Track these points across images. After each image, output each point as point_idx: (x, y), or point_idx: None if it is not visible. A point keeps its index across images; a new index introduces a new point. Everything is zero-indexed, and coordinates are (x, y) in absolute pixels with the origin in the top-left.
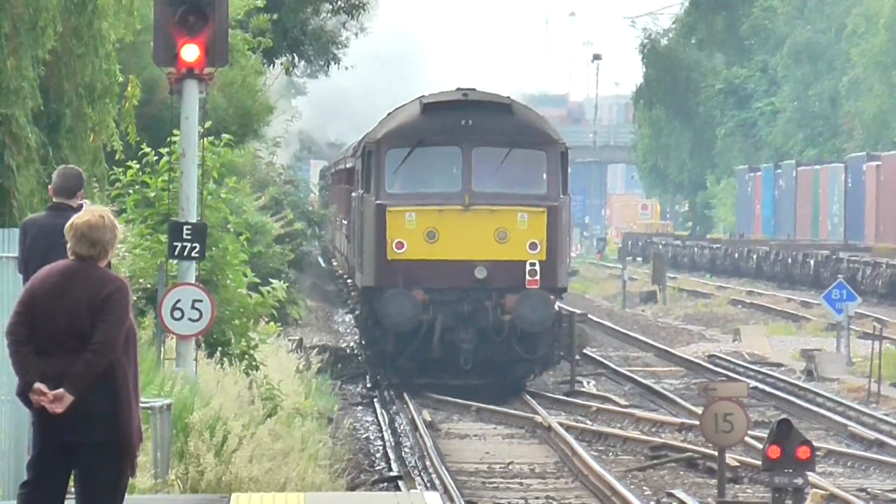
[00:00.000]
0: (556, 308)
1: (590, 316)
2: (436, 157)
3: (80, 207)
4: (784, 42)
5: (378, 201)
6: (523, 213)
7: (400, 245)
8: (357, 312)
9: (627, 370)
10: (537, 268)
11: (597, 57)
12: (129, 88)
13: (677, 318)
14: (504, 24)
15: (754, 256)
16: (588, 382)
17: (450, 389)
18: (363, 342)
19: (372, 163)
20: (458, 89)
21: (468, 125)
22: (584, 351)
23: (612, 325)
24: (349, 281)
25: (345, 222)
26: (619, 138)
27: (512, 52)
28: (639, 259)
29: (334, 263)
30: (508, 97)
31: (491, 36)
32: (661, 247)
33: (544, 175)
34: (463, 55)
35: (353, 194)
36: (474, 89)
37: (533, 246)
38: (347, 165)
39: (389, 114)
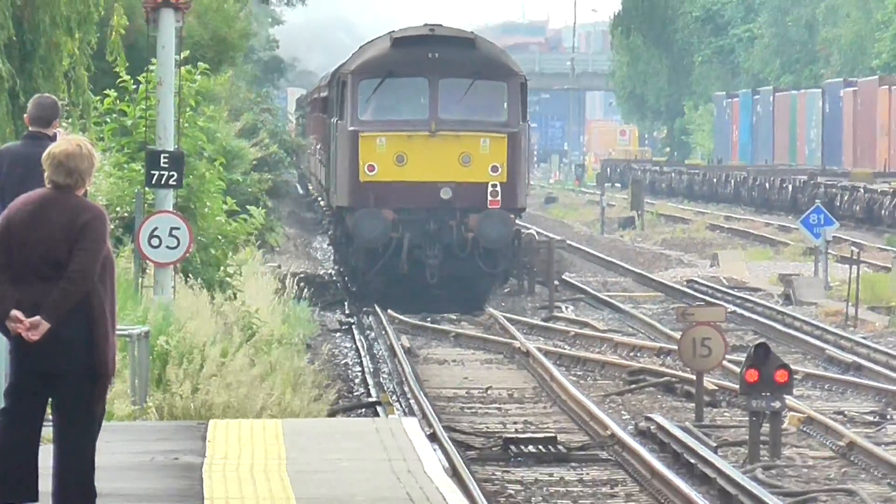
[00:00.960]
0: (515, 226)
1: (568, 242)
2: (405, 88)
3: (55, 136)
4: None
5: (351, 127)
6: (485, 138)
7: (371, 168)
8: (331, 231)
9: (606, 295)
10: (498, 189)
11: None
12: (114, 17)
13: (655, 243)
14: None
15: (732, 182)
16: (566, 308)
17: (416, 302)
18: (336, 258)
19: (346, 92)
20: (426, 25)
21: (435, 58)
22: (563, 276)
23: (591, 251)
24: (323, 204)
25: (320, 148)
26: (597, 65)
27: None
28: (617, 185)
29: (311, 189)
30: (472, 32)
31: None
32: (639, 173)
33: (505, 104)
34: None
35: (328, 121)
36: (440, 25)
37: (494, 169)
38: (322, 95)
39: (361, 47)
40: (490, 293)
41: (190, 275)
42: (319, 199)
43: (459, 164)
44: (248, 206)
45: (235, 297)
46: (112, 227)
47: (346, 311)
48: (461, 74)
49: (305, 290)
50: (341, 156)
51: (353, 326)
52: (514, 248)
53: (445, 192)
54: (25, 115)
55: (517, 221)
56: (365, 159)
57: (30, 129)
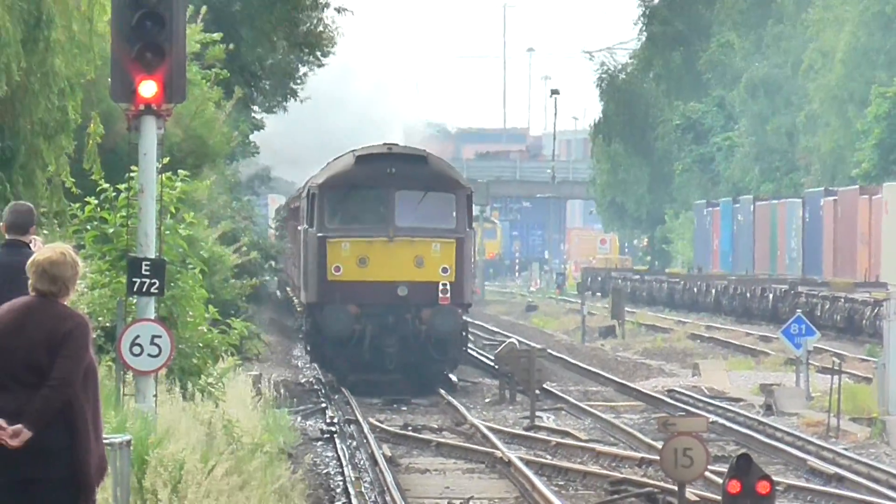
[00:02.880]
0: (463, 319)
1: (549, 351)
2: (366, 199)
3: (32, 244)
4: (741, 77)
5: (319, 233)
6: (436, 243)
7: (337, 269)
8: (303, 325)
9: (587, 405)
10: (448, 287)
11: (555, 92)
12: (91, 126)
13: (636, 352)
14: (462, 60)
15: (713, 291)
16: (548, 417)
17: (378, 386)
18: (307, 348)
19: (314, 203)
20: (385, 144)
21: (392, 173)
22: (544, 386)
23: (572, 360)
24: (296, 301)
25: (293, 251)
26: (577, 173)
27: (471, 88)
28: (598, 294)
29: (289, 293)
30: (425, 150)
31: (450, 71)
32: (619, 281)
33: (454, 213)
34: (422, 91)
35: (300, 228)
36: (397, 144)
37: (444, 270)
38: (295, 205)
39: (329, 163)
40: (441, 377)
41: (172, 383)
42: (295, 298)
43: (414, 265)
44: (229, 317)
45: (217, 406)
46: (94, 335)
47: (328, 420)
48: (415, 187)
49: (287, 397)
50: (311, 258)
51: (335, 435)
52: (462, 338)
53: (402, 289)
54: (1, 223)
55: (464, 317)
56: (332, 261)
57: (6, 237)
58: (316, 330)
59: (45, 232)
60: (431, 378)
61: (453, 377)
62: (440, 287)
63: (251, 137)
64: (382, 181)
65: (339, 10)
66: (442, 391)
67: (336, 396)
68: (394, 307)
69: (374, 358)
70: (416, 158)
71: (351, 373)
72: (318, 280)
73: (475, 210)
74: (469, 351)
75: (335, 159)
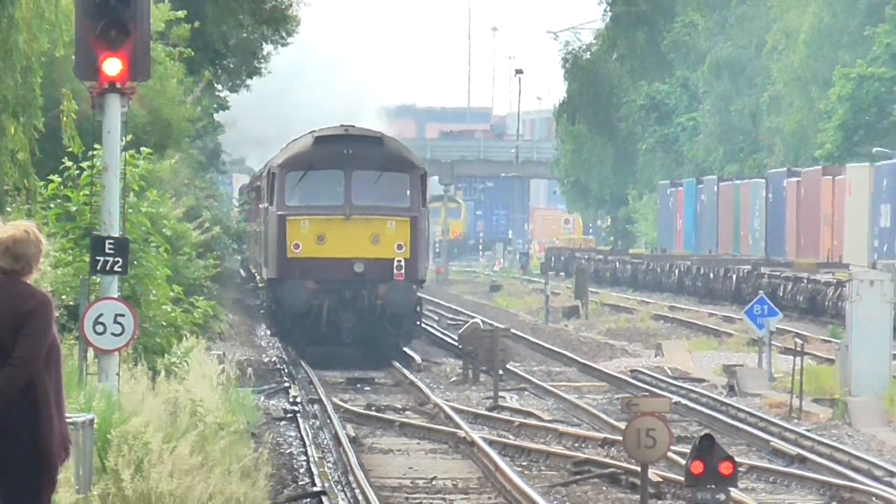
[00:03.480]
0: (417, 294)
1: (512, 330)
2: (324, 178)
3: None
4: (705, 57)
5: (279, 212)
6: (392, 221)
7: (296, 246)
8: (264, 300)
9: (550, 385)
10: (402, 264)
11: (519, 71)
12: (64, 102)
13: (600, 332)
14: (427, 38)
15: (676, 271)
16: (511, 397)
17: (335, 358)
18: (268, 322)
19: (275, 182)
20: (342, 125)
21: (349, 154)
22: (507, 366)
23: (535, 340)
24: (258, 277)
25: (257, 230)
26: (541, 153)
27: (435, 66)
28: (562, 274)
29: (253, 271)
30: (380, 132)
31: (414, 49)
32: (583, 262)
33: (408, 192)
34: (385, 70)
35: (261, 206)
36: (353, 126)
37: (399, 247)
38: (257, 184)
39: (288, 144)
40: (396, 351)
41: (136, 362)
42: (257, 275)
43: (370, 242)
44: (193, 297)
45: (180, 385)
46: (57, 313)
47: (291, 399)
48: (371, 167)
49: (250, 377)
50: (272, 236)
51: (298, 415)
52: (416, 313)
53: (358, 266)
54: None
55: (418, 293)
56: (291, 239)
57: None
58: (276, 305)
59: (8, 210)
60: (387, 351)
61: (412, 353)
62: (395, 264)
63: (216, 116)
64: (339, 162)
65: None
66: (397, 364)
67: (300, 376)
68: (351, 283)
69: (332, 332)
70: (372, 140)
71: (309, 346)
72: (278, 257)
73: (440, 189)
74: (426, 327)
75: (294, 140)
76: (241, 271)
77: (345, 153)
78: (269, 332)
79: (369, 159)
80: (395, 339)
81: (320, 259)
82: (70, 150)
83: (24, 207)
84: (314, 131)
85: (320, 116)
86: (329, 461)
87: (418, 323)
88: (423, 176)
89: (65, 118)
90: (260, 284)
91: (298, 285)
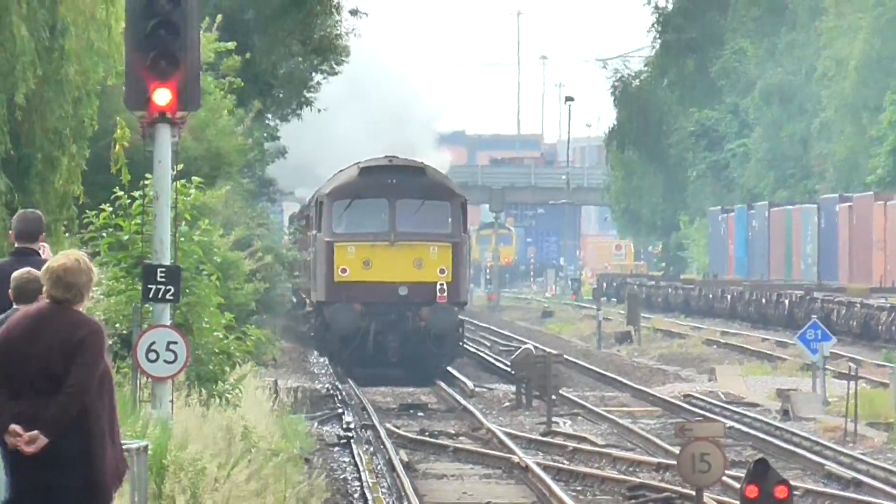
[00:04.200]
0: (459, 316)
1: (565, 356)
2: (369, 207)
3: (41, 250)
4: (755, 84)
5: (327, 238)
6: (434, 246)
7: (344, 270)
8: (312, 322)
9: (604, 410)
10: (445, 287)
11: (569, 99)
12: (118, 130)
13: (652, 358)
14: (477, 68)
15: (728, 297)
16: (564, 423)
17: (380, 377)
18: (316, 343)
19: (322, 210)
20: (386, 156)
21: (393, 183)
22: (560, 391)
23: (588, 366)
24: (307, 301)
25: (307, 258)
26: (592, 180)
27: (485, 94)
28: (613, 300)
29: (304, 297)
30: (422, 162)
31: (464, 78)
32: (635, 287)
33: (449, 219)
34: (436, 97)
35: (310, 233)
36: (397, 157)
37: (441, 271)
38: (307, 213)
39: (334, 175)
40: (439, 370)
41: (189, 389)
42: (307, 299)
43: (414, 267)
44: (245, 323)
45: (234, 411)
46: (110, 342)
47: (344, 425)
48: (414, 196)
49: (303, 403)
50: (320, 261)
51: (352, 440)
52: (458, 334)
53: (403, 289)
54: (10, 231)
55: (460, 315)
56: (339, 264)
57: (16, 244)
58: (324, 327)
59: (52, 239)
60: (430, 371)
61: (464, 378)
62: (438, 287)
63: (266, 146)
64: (384, 191)
65: (353, 13)
66: (449, 389)
67: (352, 402)
68: (395, 305)
69: (377, 352)
70: (415, 170)
71: (356, 366)
72: (325, 281)
73: (490, 217)
74: (477, 352)
75: (340, 171)
76: (293, 298)
77: (389, 182)
78: (319, 357)
79: (412, 188)
80: (437, 359)
81: (366, 283)
82: (121, 179)
83: (66, 239)
84: (359, 162)
85: (370, 143)
86: (383, 486)
87: (460, 344)
88: (464, 204)
89: (117, 146)
90: (309, 308)
91: (346, 307)
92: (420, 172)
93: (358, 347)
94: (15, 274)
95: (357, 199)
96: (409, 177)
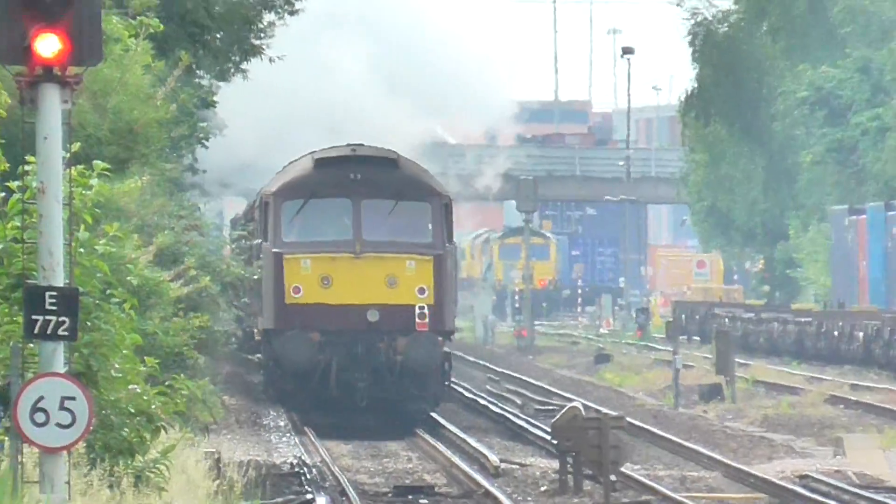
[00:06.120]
0: (444, 348)
1: (628, 419)
2: (328, 208)
3: None
4: (893, 31)
5: (275, 249)
6: (411, 260)
7: (296, 290)
8: (259, 355)
9: (685, 496)
10: (426, 311)
11: (627, 51)
12: None
13: (753, 422)
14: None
15: (860, 335)
16: None
17: (347, 428)
18: (265, 383)
19: (269, 213)
20: (348, 145)
21: (357, 179)
22: (622, 469)
23: (662, 433)
24: (254, 331)
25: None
26: (661, 167)
27: (515, 51)
28: (695, 338)
29: (249, 328)
30: (395, 152)
31: (494, 34)
32: (726, 321)
33: (429, 225)
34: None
35: (253, 242)
36: (362, 144)
37: (421, 291)
38: (253, 215)
39: (284, 167)
40: (420, 417)
41: (91, 465)
42: (252, 329)
43: (385, 285)
44: (174, 374)
45: (159, 497)
46: None
47: None
48: (384, 195)
49: (257, 485)
50: (266, 278)
51: None
52: (443, 371)
53: (372, 314)
54: None
55: (445, 346)
56: (290, 281)
57: None
58: (274, 361)
59: None
60: (409, 418)
61: (487, 451)
62: (417, 311)
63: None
64: (346, 188)
65: None
66: (464, 466)
67: (327, 483)
68: (363, 334)
69: (343, 394)
70: (385, 161)
71: (314, 411)
72: (274, 303)
73: (518, 219)
74: (504, 414)
75: (291, 163)
76: (239, 331)
77: (352, 178)
78: (278, 419)
79: (382, 185)
80: (418, 403)
81: (326, 305)
82: None
83: None
84: (314, 152)
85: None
86: None
87: (447, 384)
88: (448, 205)
89: None
90: (257, 337)
91: (300, 337)
92: (391, 165)
93: (317, 388)
94: None
95: (312, 198)
96: (378, 170)
